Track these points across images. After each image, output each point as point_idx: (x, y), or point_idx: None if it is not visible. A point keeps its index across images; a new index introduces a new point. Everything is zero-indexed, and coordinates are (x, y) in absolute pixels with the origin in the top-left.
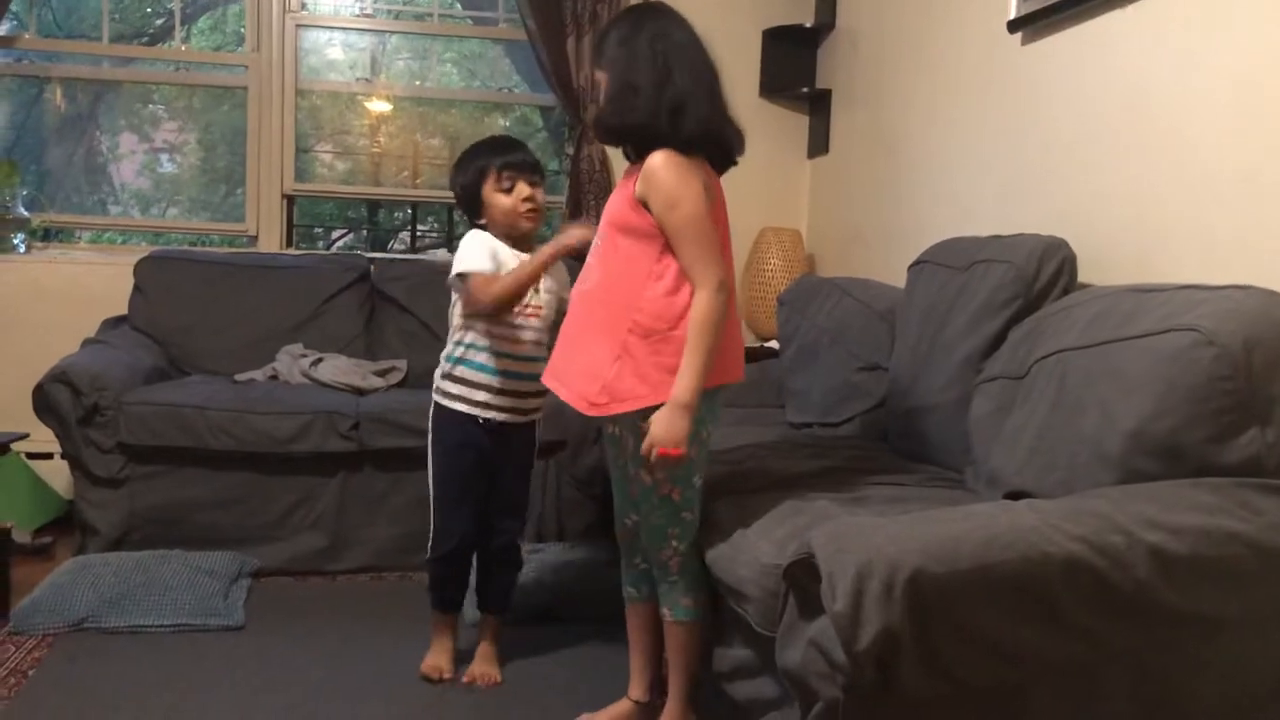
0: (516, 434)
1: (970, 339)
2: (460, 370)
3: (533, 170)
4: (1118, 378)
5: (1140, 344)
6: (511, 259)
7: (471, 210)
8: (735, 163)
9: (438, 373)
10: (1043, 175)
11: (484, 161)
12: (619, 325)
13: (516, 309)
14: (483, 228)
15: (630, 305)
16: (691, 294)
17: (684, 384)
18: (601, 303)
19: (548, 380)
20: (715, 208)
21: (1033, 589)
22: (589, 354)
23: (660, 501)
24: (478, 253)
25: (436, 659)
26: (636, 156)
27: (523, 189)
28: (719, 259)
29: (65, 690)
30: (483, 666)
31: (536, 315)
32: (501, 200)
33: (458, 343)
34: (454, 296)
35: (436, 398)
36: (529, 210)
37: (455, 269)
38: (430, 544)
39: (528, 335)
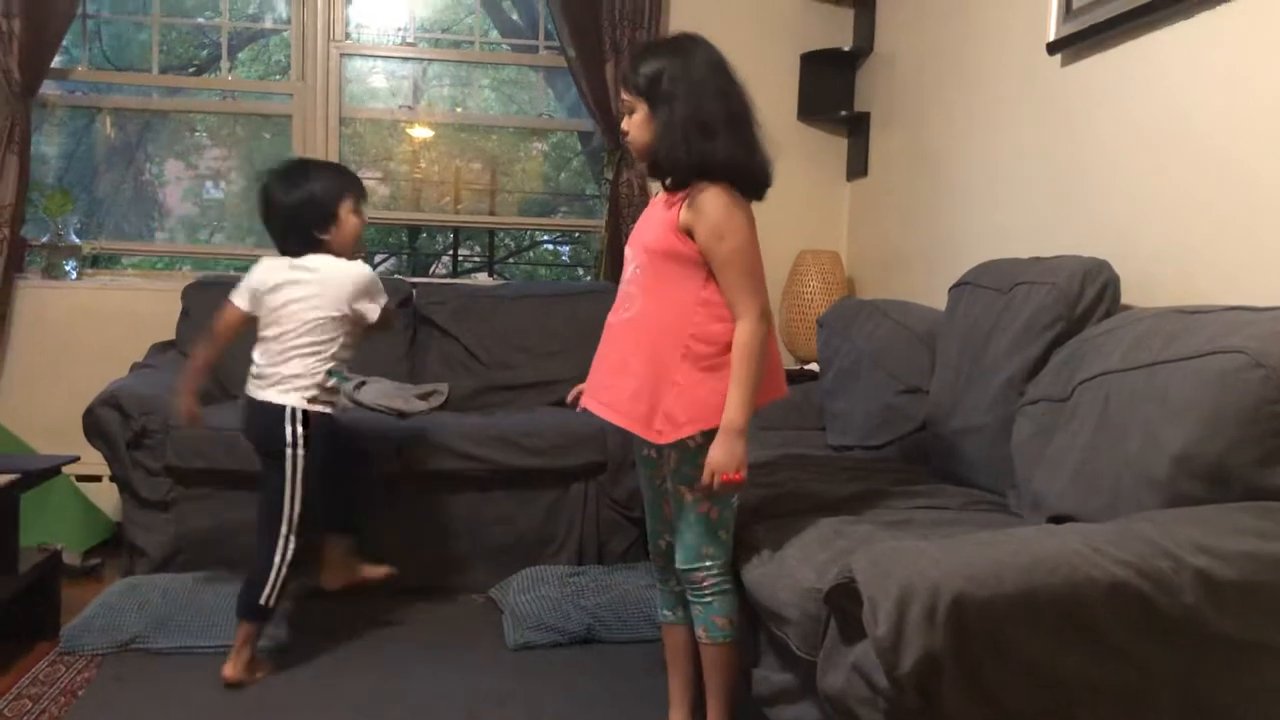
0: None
1: (1012, 361)
2: (322, 382)
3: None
4: (1163, 400)
5: (1186, 366)
6: None
7: (319, 220)
8: (763, 196)
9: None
10: (1084, 196)
11: (348, 182)
12: (671, 352)
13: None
14: (320, 243)
15: (680, 332)
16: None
17: (734, 411)
18: (649, 330)
19: (590, 405)
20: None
21: (1077, 613)
22: (640, 381)
23: (697, 519)
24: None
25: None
26: (678, 186)
27: (364, 218)
28: (761, 289)
29: (114, 710)
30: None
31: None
32: (355, 222)
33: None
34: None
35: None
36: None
37: (377, 299)
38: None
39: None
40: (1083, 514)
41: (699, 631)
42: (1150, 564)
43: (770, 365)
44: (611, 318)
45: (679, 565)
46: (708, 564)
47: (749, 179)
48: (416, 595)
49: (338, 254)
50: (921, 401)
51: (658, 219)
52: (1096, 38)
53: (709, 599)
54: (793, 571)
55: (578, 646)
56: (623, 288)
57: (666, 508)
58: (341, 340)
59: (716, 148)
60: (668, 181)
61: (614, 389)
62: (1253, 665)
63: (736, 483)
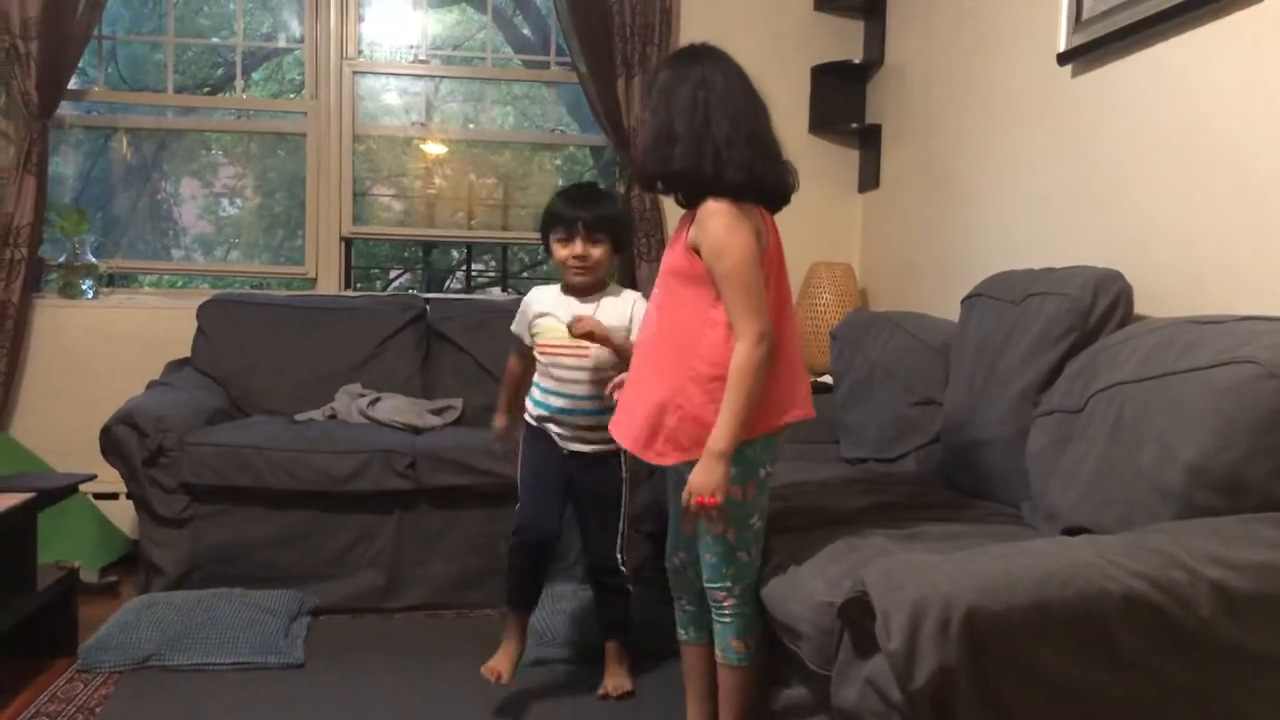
0: (593, 464)
1: (1026, 372)
2: (527, 399)
3: (591, 229)
4: (1176, 411)
5: (1199, 376)
6: (560, 307)
7: (547, 250)
8: (788, 200)
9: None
10: (1097, 207)
11: (552, 208)
12: (679, 373)
13: (562, 350)
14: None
15: (688, 352)
16: None
17: (719, 434)
18: (660, 350)
19: (610, 428)
20: (768, 252)
21: (1091, 626)
22: (649, 402)
23: (714, 540)
24: (518, 315)
25: (498, 662)
26: (686, 203)
27: (575, 246)
28: (762, 310)
29: None
30: (613, 680)
31: (586, 355)
32: (557, 250)
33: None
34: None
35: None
36: (576, 266)
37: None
38: (513, 531)
39: (576, 375)
40: (1097, 525)
41: (716, 651)
42: (1165, 576)
43: (789, 384)
44: (637, 337)
45: (703, 582)
46: (728, 584)
47: (728, 189)
48: (430, 611)
49: (567, 280)
50: (935, 413)
51: (675, 238)
52: (1107, 48)
53: (728, 619)
54: (806, 585)
55: (592, 662)
56: (648, 306)
57: (685, 523)
58: (536, 368)
59: (673, 156)
60: (679, 198)
61: (627, 409)
62: (1270, 677)
63: (710, 507)
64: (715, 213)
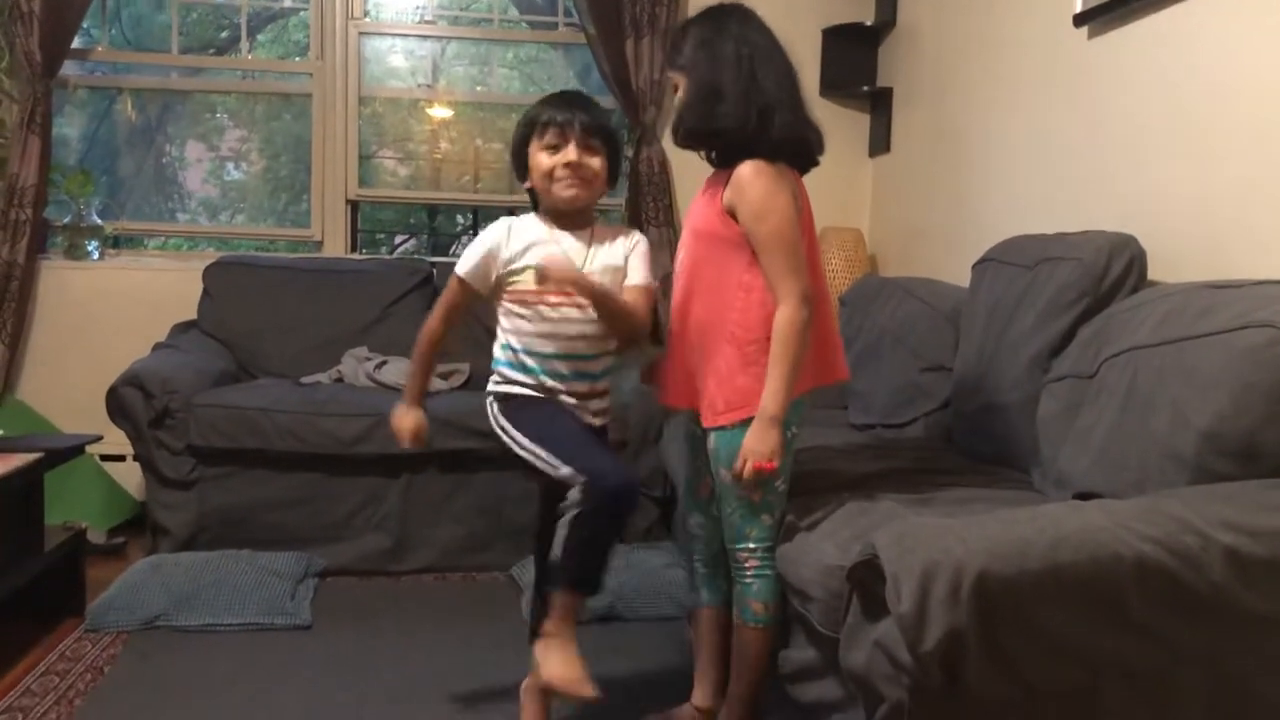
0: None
1: (1038, 338)
2: (506, 371)
3: (589, 133)
4: (1191, 376)
5: (1214, 341)
6: (538, 243)
7: (519, 169)
8: (817, 163)
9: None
10: (1110, 171)
11: (537, 112)
12: (714, 336)
13: (554, 299)
14: (533, 193)
15: (723, 317)
16: None
17: (769, 398)
18: (693, 313)
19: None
20: (802, 214)
21: (1103, 591)
22: (687, 363)
23: (740, 502)
24: (473, 248)
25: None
26: (721, 162)
27: (569, 151)
28: (803, 272)
29: (139, 687)
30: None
31: (582, 307)
32: (541, 160)
33: (503, 345)
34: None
35: (495, 388)
36: (567, 178)
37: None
38: (582, 491)
39: (571, 330)
40: (1109, 492)
41: (735, 611)
42: (1178, 541)
43: (827, 346)
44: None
45: (725, 543)
46: (750, 545)
47: (770, 149)
48: (437, 574)
49: (550, 206)
50: (945, 379)
51: (704, 200)
52: (1124, 9)
53: (749, 580)
54: (815, 548)
55: (598, 624)
56: (674, 270)
57: (701, 487)
58: (501, 318)
59: (718, 113)
60: (713, 156)
61: (667, 374)
62: None
63: (769, 471)
64: (756, 174)
